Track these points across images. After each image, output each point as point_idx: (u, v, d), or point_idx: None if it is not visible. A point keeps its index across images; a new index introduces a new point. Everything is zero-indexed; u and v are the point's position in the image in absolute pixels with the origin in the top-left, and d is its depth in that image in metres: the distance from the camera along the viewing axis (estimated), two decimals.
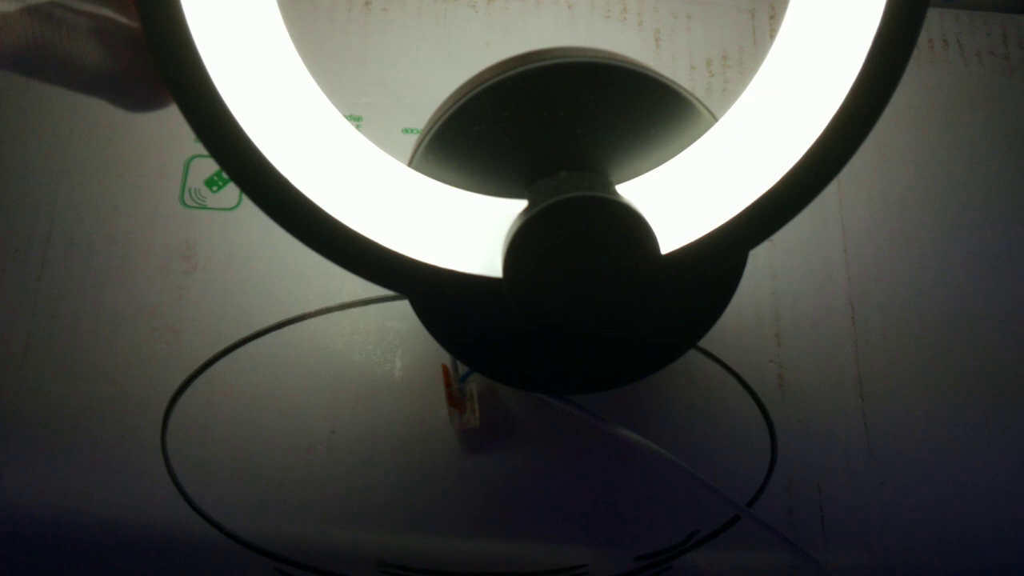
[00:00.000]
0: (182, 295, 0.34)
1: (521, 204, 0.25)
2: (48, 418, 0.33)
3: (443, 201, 0.25)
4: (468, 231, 0.25)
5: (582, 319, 0.25)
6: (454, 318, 0.28)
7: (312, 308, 0.34)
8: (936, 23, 0.41)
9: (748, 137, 0.24)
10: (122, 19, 0.22)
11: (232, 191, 0.35)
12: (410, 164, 0.25)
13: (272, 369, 0.34)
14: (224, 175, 0.36)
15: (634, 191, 0.25)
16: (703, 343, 0.34)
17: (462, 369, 0.32)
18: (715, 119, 0.25)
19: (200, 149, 0.36)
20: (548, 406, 0.30)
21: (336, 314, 0.34)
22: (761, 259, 0.36)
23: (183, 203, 0.35)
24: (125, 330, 0.34)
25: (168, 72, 0.20)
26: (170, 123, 0.36)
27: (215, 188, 0.35)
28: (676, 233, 0.25)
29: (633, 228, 0.23)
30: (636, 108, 0.25)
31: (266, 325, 0.34)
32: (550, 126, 0.25)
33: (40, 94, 0.36)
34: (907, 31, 0.22)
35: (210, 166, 0.36)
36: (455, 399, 0.32)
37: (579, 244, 0.23)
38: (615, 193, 0.24)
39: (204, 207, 0.35)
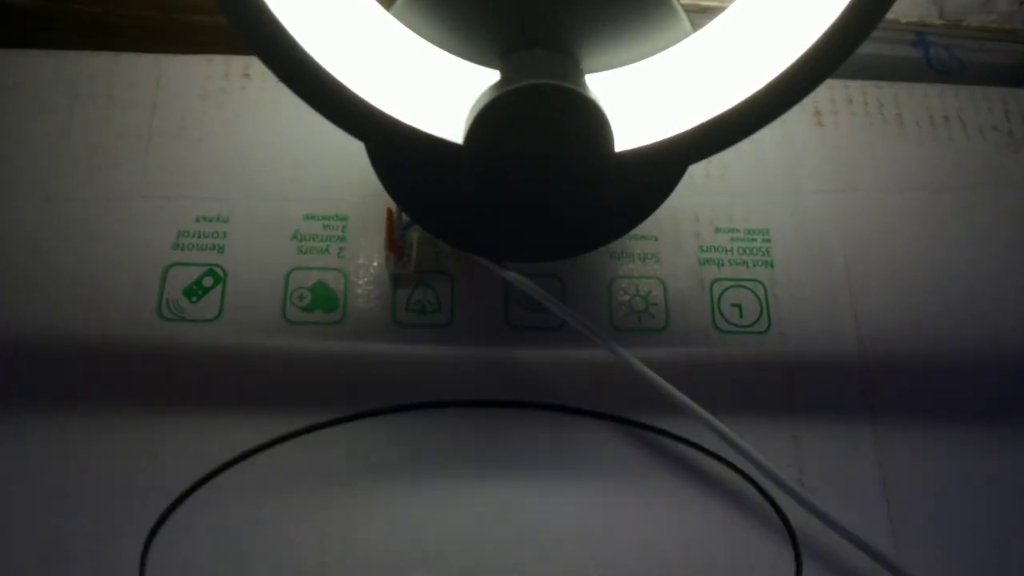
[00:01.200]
0: (159, 415, 0.32)
1: (492, 74, 0.26)
2: (16, 556, 0.31)
3: (417, 56, 0.26)
4: (436, 91, 0.26)
5: (533, 197, 0.27)
6: (407, 171, 0.29)
7: (298, 426, 0.32)
8: (936, 99, 0.40)
9: (717, 56, 0.26)
10: None
11: (212, 301, 0.33)
12: (390, 9, 0.26)
13: (258, 494, 0.31)
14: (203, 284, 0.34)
15: (603, 83, 0.26)
16: (718, 451, 0.32)
17: (407, 218, 0.33)
18: (692, 31, 0.27)
19: (178, 256, 0.34)
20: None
21: (326, 432, 0.32)
22: (770, 350, 0.34)
23: (160, 316, 0.33)
24: (98, 457, 0.31)
25: None
26: (146, 229, 0.35)
27: (194, 298, 0.33)
28: (632, 132, 0.26)
29: (595, 123, 0.25)
30: (621, 6, 0.26)
31: (250, 446, 0.32)
32: (535, 2, 0.26)
33: (7, 205, 0.34)
34: None
35: (189, 274, 0.34)
36: (395, 245, 0.33)
37: (542, 128, 0.25)
38: (583, 85, 0.25)
39: (183, 319, 0.33)
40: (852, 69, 0.40)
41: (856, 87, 0.40)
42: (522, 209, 0.29)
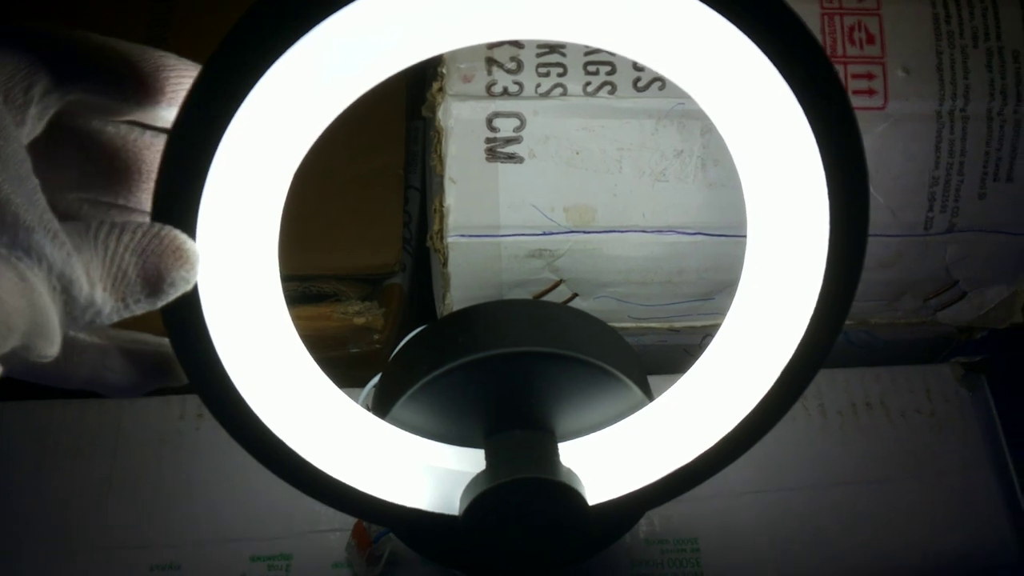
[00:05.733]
0: None
1: (477, 453, 0.31)
2: None
3: (411, 449, 0.31)
4: (432, 474, 0.31)
5: (523, 548, 0.32)
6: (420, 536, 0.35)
7: None
8: (858, 385, 0.41)
9: (672, 420, 0.31)
10: (145, 338, 0.26)
11: None
12: (386, 416, 0.31)
13: None
14: None
15: (574, 449, 0.31)
16: None
17: (375, 529, 0.36)
18: (650, 399, 0.32)
19: None
20: None
21: None
22: None
23: None
24: None
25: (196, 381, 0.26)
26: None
27: None
28: (601, 487, 0.31)
29: (571, 501, 0.30)
30: (584, 386, 0.31)
31: None
32: (509, 393, 0.31)
33: None
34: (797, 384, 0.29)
35: None
36: (371, 555, 0.36)
37: (528, 507, 0.30)
38: (557, 463, 0.30)
39: None
40: None
41: None
42: (511, 551, 0.33)
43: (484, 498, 0.29)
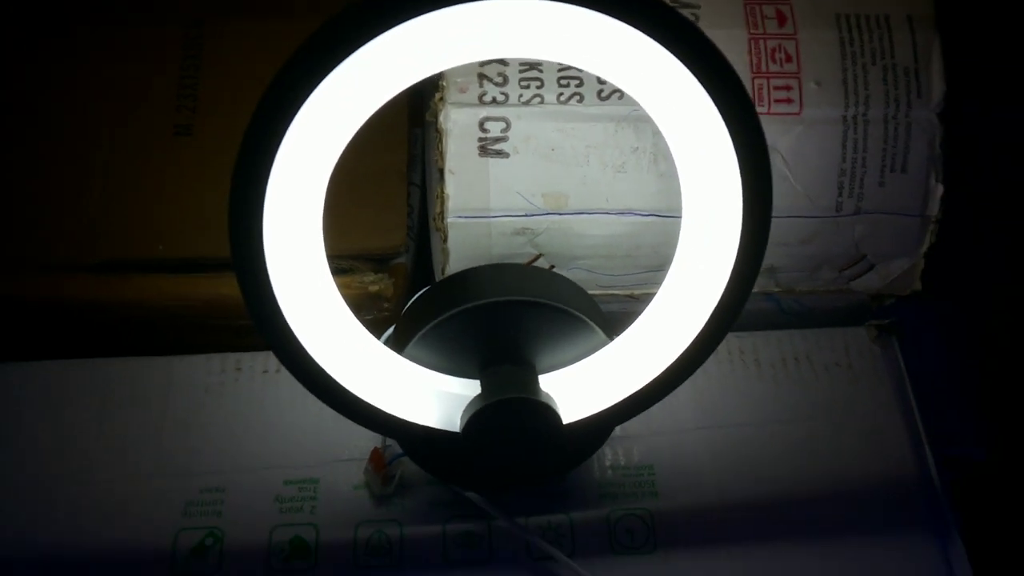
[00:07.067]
0: None
1: (474, 383, 0.39)
2: None
3: (423, 379, 0.39)
4: (439, 398, 0.39)
5: (512, 460, 0.40)
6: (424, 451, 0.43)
7: None
8: (787, 343, 0.50)
9: (628, 355, 0.39)
10: None
11: (213, 558, 0.43)
12: (402, 352, 0.39)
13: None
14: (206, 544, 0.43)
15: (552, 379, 0.39)
16: None
17: (390, 452, 0.44)
18: (611, 340, 0.39)
19: (186, 523, 0.43)
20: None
21: None
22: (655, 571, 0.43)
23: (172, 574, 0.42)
24: None
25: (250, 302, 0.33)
26: (161, 502, 0.44)
27: (200, 557, 0.42)
28: (576, 409, 0.40)
29: (549, 417, 0.37)
30: (559, 329, 0.39)
31: None
32: (501, 334, 0.39)
33: (55, 492, 0.44)
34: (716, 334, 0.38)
35: (195, 536, 0.43)
36: (385, 476, 0.44)
37: (514, 422, 0.37)
38: (538, 388, 0.38)
39: None
40: None
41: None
42: (500, 465, 0.41)
43: (480, 414, 0.37)
